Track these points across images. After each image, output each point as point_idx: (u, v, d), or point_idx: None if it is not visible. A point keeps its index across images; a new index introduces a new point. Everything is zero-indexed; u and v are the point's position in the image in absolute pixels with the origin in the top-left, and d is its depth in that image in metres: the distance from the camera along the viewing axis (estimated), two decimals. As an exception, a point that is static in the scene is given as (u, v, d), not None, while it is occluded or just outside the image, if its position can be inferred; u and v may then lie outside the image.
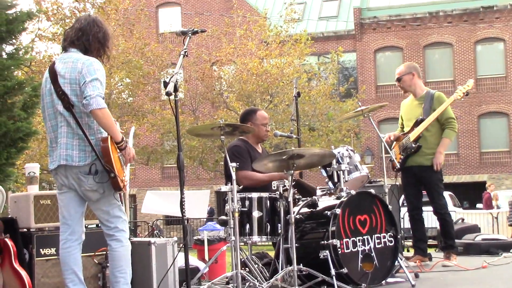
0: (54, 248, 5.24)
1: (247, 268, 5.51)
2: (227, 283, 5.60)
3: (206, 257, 7.13)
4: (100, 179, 4.43)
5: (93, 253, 5.47)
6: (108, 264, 4.90)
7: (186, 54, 4.99)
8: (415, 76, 7.21)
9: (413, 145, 6.96)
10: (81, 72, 4.41)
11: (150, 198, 7.36)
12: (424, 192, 7.14)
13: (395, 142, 7.20)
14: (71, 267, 4.50)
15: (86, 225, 4.85)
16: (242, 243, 5.50)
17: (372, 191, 5.73)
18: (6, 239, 5.06)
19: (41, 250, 5.31)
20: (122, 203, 4.67)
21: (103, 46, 4.66)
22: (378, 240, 5.53)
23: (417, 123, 7.00)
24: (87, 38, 4.58)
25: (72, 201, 4.56)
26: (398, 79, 7.24)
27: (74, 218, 4.57)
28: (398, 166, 6.88)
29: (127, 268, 4.55)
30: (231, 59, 23.58)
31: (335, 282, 5.08)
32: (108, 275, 5.12)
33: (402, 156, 7.04)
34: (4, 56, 10.69)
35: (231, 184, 5.15)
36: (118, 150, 4.48)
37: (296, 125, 6.71)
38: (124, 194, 4.90)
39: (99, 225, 4.72)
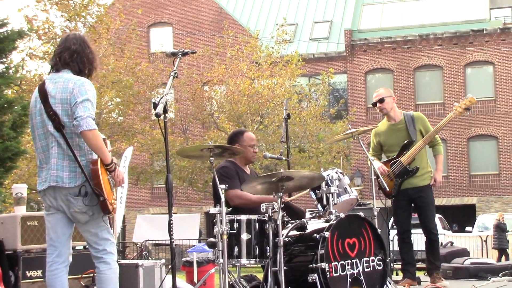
0: (41, 270, 5.20)
1: (235, 291, 5.47)
2: (215, 306, 5.57)
3: (195, 279, 7.07)
4: (90, 202, 4.39)
5: (80, 276, 5.43)
6: (95, 287, 4.85)
7: (176, 75, 4.98)
8: (394, 100, 7.29)
9: (411, 168, 6.97)
10: (72, 92, 4.38)
11: (140, 225, 7.32)
12: (414, 214, 7.16)
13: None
14: (57, 290, 4.46)
15: (73, 247, 4.80)
16: (231, 266, 5.47)
17: (361, 214, 5.71)
18: (-8, 261, 5.01)
19: (27, 272, 5.26)
20: (110, 225, 4.64)
21: (92, 66, 4.65)
22: (367, 264, 5.50)
23: (406, 146, 7.01)
24: (81, 59, 4.57)
25: (60, 222, 4.51)
26: (381, 100, 7.22)
27: (61, 240, 4.52)
28: (394, 193, 6.90)
29: (115, 291, 4.50)
30: (222, 80, 23.59)
31: (323, 306, 5.05)
32: (94, 297, 5.08)
33: (396, 182, 7.03)
34: (-6, 74, 10.68)
35: (220, 206, 5.12)
36: (108, 173, 4.46)
37: (286, 146, 6.70)
38: (113, 216, 4.87)
39: (87, 247, 4.67)
